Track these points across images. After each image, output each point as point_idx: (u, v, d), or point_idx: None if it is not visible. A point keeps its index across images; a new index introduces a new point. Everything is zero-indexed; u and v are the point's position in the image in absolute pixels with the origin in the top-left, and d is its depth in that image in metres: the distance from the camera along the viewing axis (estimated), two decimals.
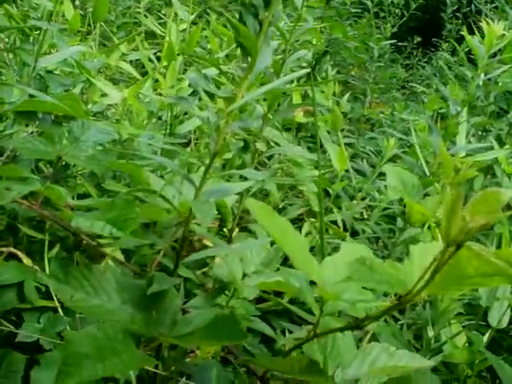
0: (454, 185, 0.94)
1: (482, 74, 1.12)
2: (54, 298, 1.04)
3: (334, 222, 1.40)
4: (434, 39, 2.79)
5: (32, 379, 0.93)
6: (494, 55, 1.19)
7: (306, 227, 1.27)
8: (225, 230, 1.10)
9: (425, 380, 1.04)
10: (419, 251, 0.67)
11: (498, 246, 1.16)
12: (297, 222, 1.41)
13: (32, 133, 1.10)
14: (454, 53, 2.40)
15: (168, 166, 0.88)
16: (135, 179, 0.95)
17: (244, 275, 0.98)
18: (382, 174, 1.39)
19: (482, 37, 1.16)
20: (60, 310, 1.04)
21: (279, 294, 1.16)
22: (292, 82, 1.38)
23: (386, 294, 0.83)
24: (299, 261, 0.68)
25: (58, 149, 0.98)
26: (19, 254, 1.10)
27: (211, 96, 0.81)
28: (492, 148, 1.27)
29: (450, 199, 0.55)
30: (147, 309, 0.78)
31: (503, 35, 1.10)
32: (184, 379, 0.93)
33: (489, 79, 1.57)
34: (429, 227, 0.94)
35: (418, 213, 0.86)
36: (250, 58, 0.75)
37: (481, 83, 1.10)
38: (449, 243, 0.56)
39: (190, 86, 1.31)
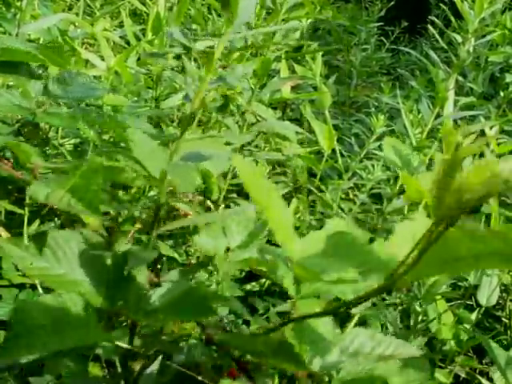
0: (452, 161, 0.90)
1: (473, 40, 1.10)
2: None
3: None
4: (420, 25, 2.78)
5: None
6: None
7: (294, 203, 1.25)
8: (209, 202, 1.08)
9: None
10: (405, 228, 0.60)
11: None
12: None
13: (9, 87, 1.04)
14: (441, 36, 2.39)
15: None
16: (118, 138, 0.89)
17: (228, 249, 0.93)
18: (369, 153, 1.37)
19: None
20: (39, 287, 1.02)
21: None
22: (280, 57, 1.36)
23: None
24: (281, 234, 0.61)
25: (34, 105, 0.90)
26: None
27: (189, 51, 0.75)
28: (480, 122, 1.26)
29: (444, 165, 0.47)
30: (113, 283, 0.72)
31: None
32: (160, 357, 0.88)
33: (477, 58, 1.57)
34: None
35: (414, 190, 0.80)
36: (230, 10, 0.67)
37: (471, 49, 1.08)
38: (441, 218, 0.47)
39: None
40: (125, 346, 0.77)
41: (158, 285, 0.87)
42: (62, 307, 0.65)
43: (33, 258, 0.70)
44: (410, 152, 0.91)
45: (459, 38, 1.10)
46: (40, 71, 1.11)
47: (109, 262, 0.74)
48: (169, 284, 0.79)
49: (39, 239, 0.73)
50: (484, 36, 1.21)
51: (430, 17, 2.86)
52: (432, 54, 1.14)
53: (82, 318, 0.65)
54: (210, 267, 1.14)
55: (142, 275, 0.75)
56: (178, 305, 0.70)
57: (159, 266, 1.27)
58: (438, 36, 1.25)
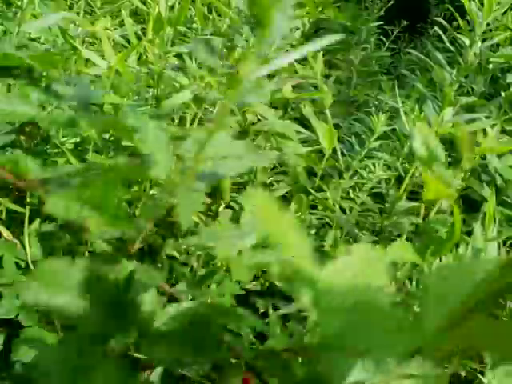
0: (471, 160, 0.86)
1: (479, 42, 1.09)
2: None
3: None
4: (420, 24, 2.79)
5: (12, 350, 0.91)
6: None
7: (294, 201, 1.25)
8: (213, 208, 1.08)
9: None
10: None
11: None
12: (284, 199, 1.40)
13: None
14: (441, 37, 2.39)
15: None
16: (124, 137, 0.87)
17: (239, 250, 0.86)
18: (370, 152, 1.37)
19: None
20: None
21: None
22: None
23: None
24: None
25: (38, 111, 0.89)
26: None
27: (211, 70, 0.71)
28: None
29: None
30: (114, 308, 0.63)
31: None
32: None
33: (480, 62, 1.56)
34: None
35: (433, 189, 0.73)
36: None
37: (478, 51, 1.08)
38: None
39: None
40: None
41: (171, 296, 0.84)
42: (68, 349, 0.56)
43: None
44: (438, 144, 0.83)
45: (467, 41, 1.09)
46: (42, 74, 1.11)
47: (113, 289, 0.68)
48: (177, 306, 0.72)
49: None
50: (486, 39, 1.20)
51: (431, 17, 2.87)
52: (438, 54, 1.14)
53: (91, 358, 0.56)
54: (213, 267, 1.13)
55: (150, 295, 0.69)
56: (183, 339, 0.61)
57: (159, 265, 1.26)
58: (444, 37, 1.24)
